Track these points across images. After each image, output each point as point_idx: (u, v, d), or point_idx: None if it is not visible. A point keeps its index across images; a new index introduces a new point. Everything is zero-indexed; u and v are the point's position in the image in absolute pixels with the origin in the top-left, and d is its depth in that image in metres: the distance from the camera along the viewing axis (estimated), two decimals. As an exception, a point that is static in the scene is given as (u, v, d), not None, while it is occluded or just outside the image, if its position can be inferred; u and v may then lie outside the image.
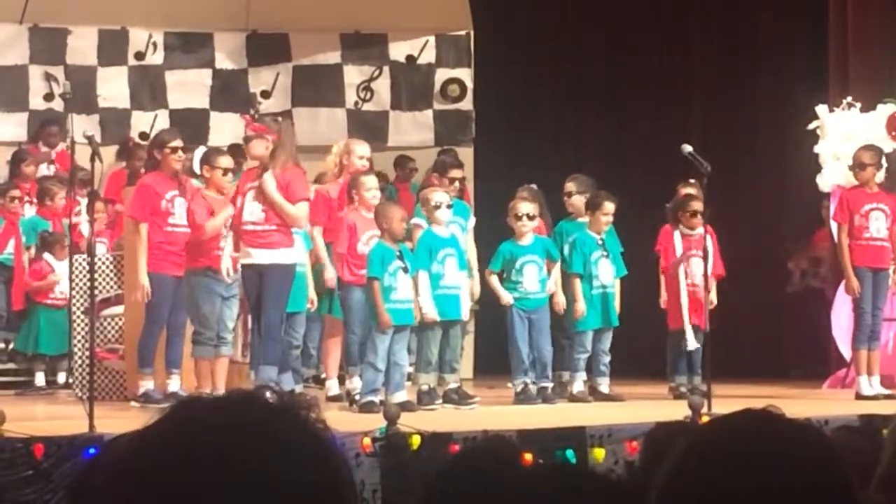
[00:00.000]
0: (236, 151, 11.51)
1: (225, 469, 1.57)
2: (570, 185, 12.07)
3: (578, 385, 11.45)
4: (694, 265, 11.60)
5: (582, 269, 11.53)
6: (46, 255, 12.76)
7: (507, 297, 11.18)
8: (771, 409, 1.92)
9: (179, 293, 10.56)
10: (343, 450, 1.70)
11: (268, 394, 1.69)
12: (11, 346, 13.01)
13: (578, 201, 11.87)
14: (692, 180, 11.83)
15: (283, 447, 1.60)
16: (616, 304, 11.63)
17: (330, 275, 10.99)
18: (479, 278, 11.55)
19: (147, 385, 10.62)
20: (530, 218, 11.25)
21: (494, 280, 11.27)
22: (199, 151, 11.08)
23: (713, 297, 11.34)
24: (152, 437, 1.62)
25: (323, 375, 11.91)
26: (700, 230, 11.25)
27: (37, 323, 12.72)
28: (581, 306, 11.45)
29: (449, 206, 10.92)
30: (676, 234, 11.80)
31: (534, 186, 11.97)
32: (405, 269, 10.38)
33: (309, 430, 1.65)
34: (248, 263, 10.03)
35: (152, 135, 13.88)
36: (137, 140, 14.71)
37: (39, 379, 12.59)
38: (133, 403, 10.62)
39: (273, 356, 10.04)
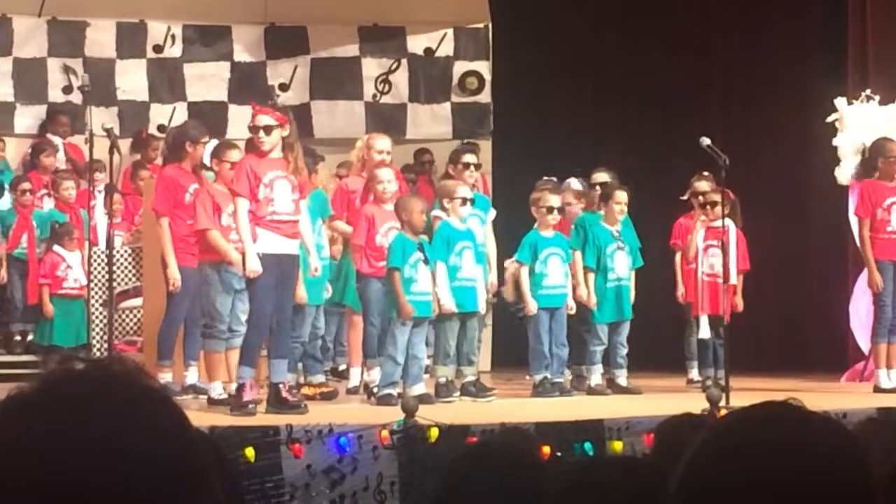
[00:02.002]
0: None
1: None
2: (605, 175, 12.05)
3: (596, 378, 11.42)
4: (711, 256, 11.57)
5: (595, 263, 11.50)
6: (56, 247, 12.73)
7: (533, 305, 11.12)
8: (791, 401, 1.91)
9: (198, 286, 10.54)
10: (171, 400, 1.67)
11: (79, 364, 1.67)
12: (30, 337, 13.05)
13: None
14: (706, 172, 11.80)
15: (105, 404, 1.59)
16: (631, 296, 11.60)
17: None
18: (498, 271, 11.53)
19: (165, 377, 10.62)
20: (560, 211, 11.26)
21: (525, 274, 11.20)
22: (211, 144, 11.06)
23: (738, 300, 11.40)
24: None
25: (342, 368, 11.90)
26: (718, 222, 11.21)
27: (52, 314, 12.73)
28: (592, 299, 11.44)
29: (472, 202, 10.91)
30: (699, 225, 11.77)
31: (554, 179, 11.97)
32: (425, 262, 10.37)
33: (127, 382, 1.63)
34: (274, 253, 9.58)
35: (171, 127, 13.90)
36: (153, 132, 14.72)
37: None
38: (151, 396, 10.59)
39: (289, 348, 10.00)
